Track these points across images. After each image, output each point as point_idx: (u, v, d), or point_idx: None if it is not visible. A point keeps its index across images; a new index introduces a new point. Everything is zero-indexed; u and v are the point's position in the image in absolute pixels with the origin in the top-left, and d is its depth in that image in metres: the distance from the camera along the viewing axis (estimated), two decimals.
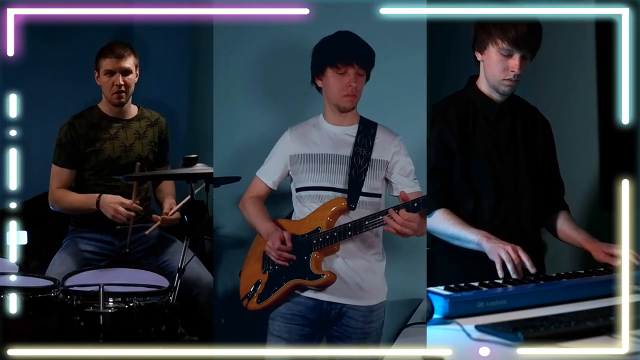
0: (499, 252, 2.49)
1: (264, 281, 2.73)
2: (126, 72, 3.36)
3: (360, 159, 2.66)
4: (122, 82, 3.35)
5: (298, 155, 2.72)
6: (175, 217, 3.31)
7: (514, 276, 2.45)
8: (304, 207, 2.71)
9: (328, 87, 2.68)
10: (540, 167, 2.88)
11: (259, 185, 2.81)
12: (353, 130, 2.71)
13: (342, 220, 2.62)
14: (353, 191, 2.64)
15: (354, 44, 2.67)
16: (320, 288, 2.62)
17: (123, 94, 3.37)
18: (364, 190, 2.65)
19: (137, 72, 3.44)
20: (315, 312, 2.66)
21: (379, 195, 2.69)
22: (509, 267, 2.46)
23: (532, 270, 2.47)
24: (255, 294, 2.73)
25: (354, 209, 2.63)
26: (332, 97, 2.69)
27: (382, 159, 2.68)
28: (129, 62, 3.37)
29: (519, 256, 2.48)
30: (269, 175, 2.79)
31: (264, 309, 2.71)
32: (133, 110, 3.50)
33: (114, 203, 3.26)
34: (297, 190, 2.72)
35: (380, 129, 2.72)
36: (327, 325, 2.69)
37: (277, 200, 2.90)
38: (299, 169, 2.71)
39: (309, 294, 2.66)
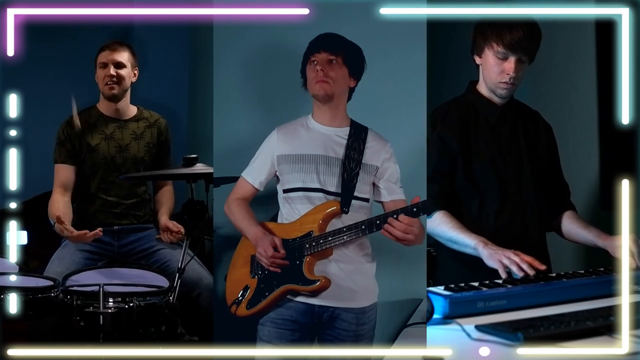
0: (500, 258, 2.48)
1: (253, 286, 2.65)
2: (119, 64, 3.37)
3: (352, 162, 2.62)
4: (113, 73, 3.35)
5: (286, 156, 2.67)
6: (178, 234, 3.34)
7: (520, 276, 2.44)
8: (292, 210, 2.65)
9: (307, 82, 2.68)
10: (544, 167, 2.88)
11: (244, 186, 2.75)
12: (344, 132, 2.68)
13: (334, 224, 2.58)
14: (346, 194, 2.60)
15: (323, 35, 2.66)
16: (314, 293, 2.56)
17: (115, 86, 3.37)
18: (355, 194, 2.61)
19: (135, 71, 3.44)
20: (306, 316, 2.61)
21: (367, 200, 2.66)
22: (514, 269, 2.44)
23: (541, 267, 2.46)
24: (244, 300, 2.65)
25: (347, 212, 2.59)
26: (309, 89, 2.67)
27: (372, 164, 2.65)
28: (123, 56, 3.38)
29: (522, 258, 2.47)
30: (254, 175, 2.73)
31: (253, 314, 2.64)
32: (132, 110, 3.49)
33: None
34: (285, 191, 2.67)
35: (370, 134, 2.69)
36: (319, 328, 2.63)
37: (263, 202, 2.88)
38: (287, 169, 2.66)
39: (301, 298, 2.60)
